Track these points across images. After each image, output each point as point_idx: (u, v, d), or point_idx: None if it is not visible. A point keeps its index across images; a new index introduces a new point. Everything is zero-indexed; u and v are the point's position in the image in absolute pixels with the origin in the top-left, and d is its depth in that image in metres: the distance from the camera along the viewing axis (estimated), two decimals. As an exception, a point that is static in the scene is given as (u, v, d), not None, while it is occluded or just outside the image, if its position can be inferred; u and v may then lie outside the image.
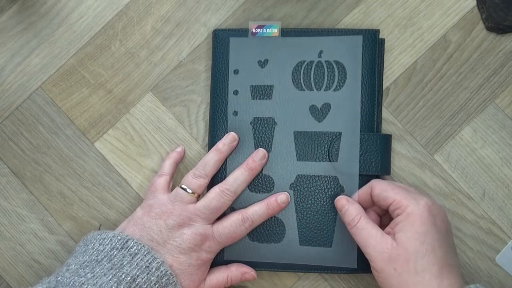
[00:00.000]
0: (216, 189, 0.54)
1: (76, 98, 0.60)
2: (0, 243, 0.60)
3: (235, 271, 0.55)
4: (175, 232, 0.53)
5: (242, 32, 0.57)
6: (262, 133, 0.56)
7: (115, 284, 0.48)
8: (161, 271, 0.51)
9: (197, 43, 0.60)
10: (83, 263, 0.50)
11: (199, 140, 0.60)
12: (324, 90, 0.56)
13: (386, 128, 0.58)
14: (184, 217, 0.53)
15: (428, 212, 0.49)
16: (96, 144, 0.60)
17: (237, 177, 0.55)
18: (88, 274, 0.49)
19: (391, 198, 0.50)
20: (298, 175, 0.56)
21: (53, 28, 0.60)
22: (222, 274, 0.55)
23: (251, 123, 0.56)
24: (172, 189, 0.56)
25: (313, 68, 0.56)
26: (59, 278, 0.49)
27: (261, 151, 0.56)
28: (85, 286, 0.47)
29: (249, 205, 0.56)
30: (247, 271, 0.55)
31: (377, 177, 0.56)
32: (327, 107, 0.56)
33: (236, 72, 0.57)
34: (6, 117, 0.61)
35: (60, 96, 0.61)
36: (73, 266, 0.50)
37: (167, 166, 0.57)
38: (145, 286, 0.50)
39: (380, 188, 0.52)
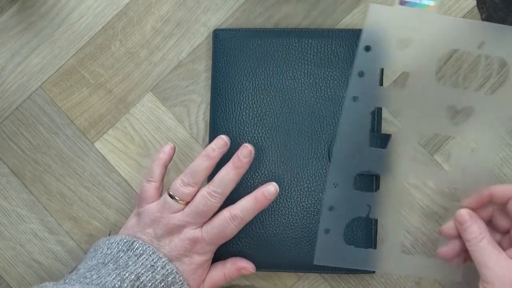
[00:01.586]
0: (203, 192, 0.52)
1: (76, 98, 0.60)
2: (0, 243, 0.60)
3: (230, 268, 0.54)
4: (164, 240, 0.52)
5: (243, 32, 0.57)
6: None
7: (118, 282, 0.48)
8: (167, 270, 0.50)
9: (197, 43, 0.60)
10: (90, 267, 0.50)
11: (199, 140, 0.60)
12: (474, 91, 0.51)
13: (386, 128, 0.58)
14: (172, 225, 0.52)
15: None
16: (96, 144, 0.60)
17: (223, 178, 0.52)
18: (93, 276, 0.49)
19: None
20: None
21: (53, 28, 0.60)
22: (219, 272, 0.54)
23: (371, 112, 0.51)
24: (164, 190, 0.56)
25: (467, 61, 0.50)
26: (66, 281, 0.49)
27: (246, 148, 0.53)
28: (90, 286, 0.47)
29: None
30: (242, 266, 0.54)
31: (377, 177, 0.56)
32: (469, 111, 0.51)
33: (367, 49, 0.48)
34: (6, 117, 0.61)
35: (60, 96, 0.61)
36: (82, 270, 0.50)
37: (156, 170, 0.55)
38: (150, 284, 0.49)
39: None
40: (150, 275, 0.49)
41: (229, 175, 0.53)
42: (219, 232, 0.52)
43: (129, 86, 0.60)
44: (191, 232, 0.52)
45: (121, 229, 0.55)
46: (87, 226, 0.60)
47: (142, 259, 0.50)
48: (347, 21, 0.59)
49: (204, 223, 0.53)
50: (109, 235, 0.58)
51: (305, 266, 0.56)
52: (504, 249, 0.48)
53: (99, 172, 0.60)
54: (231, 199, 0.54)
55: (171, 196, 0.53)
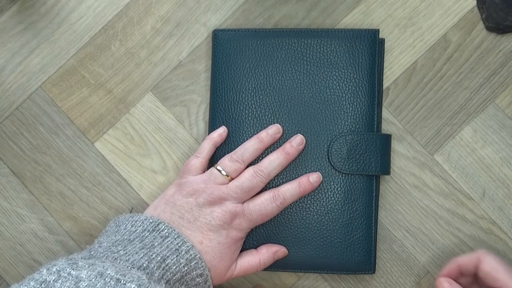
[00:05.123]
0: (250, 170, 0.54)
1: (76, 98, 0.60)
2: (0, 243, 0.60)
3: (266, 253, 0.55)
4: (205, 209, 0.52)
5: (242, 32, 0.57)
6: None
7: (146, 262, 0.48)
8: (190, 255, 0.50)
9: (197, 43, 0.60)
10: (115, 242, 0.50)
11: (199, 140, 0.60)
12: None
13: (386, 128, 0.58)
14: (215, 196, 0.53)
15: None
16: (96, 144, 0.60)
17: (273, 160, 0.54)
18: (120, 251, 0.49)
19: (502, 281, 0.48)
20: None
21: (53, 28, 0.60)
22: (254, 258, 0.54)
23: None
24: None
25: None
26: (92, 253, 0.49)
27: (299, 137, 0.55)
28: (118, 261, 0.47)
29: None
30: (277, 249, 0.55)
31: (377, 177, 0.56)
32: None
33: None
34: (6, 117, 0.61)
35: (60, 96, 0.61)
36: (105, 244, 0.50)
37: (205, 148, 0.56)
38: (174, 267, 0.49)
39: (491, 266, 0.49)
40: (175, 259, 0.50)
41: (279, 159, 0.54)
42: (260, 209, 0.53)
43: (129, 86, 0.60)
44: (232, 205, 0.53)
45: (156, 200, 0.55)
46: (87, 226, 0.60)
47: (167, 242, 0.50)
48: (347, 21, 0.59)
49: (245, 201, 0.54)
50: (131, 211, 0.57)
51: (305, 266, 0.56)
52: None
53: (99, 172, 0.60)
54: None
55: (218, 170, 0.54)
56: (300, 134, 0.56)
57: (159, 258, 0.49)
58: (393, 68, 0.58)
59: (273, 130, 0.55)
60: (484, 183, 0.57)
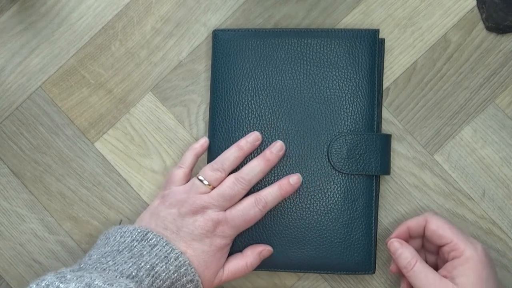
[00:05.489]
0: (231, 178, 0.54)
1: (76, 98, 0.60)
2: (0, 243, 0.60)
3: (251, 255, 0.55)
4: (188, 219, 0.53)
5: (242, 32, 0.57)
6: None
7: (135, 271, 0.49)
8: (179, 261, 0.51)
9: (197, 43, 0.60)
10: (104, 253, 0.51)
11: (199, 140, 0.60)
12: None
13: (386, 128, 0.58)
14: (197, 205, 0.53)
15: (486, 257, 0.50)
16: (96, 144, 0.60)
17: (254, 167, 0.54)
18: (109, 262, 0.49)
19: (448, 238, 0.51)
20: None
21: (53, 28, 0.60)
22: (241, 261, 0.55)
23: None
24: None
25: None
26: (81, 265, 0.50)
27: (279, 143, 0.55)
28: (107, 271, 0.48)
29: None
30: (262, 249, 0.55)
31: (377, 177, 0.56)
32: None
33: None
34: (6, 117, 0.61)
35: (60, 96, 0.61)
36: (95, 256, 0.51)
37: (188, 158, 0.57)
38: (164, 274, 0.50)
39: (437, 224, 0.52)
40: (164, 266, 0.50)
41: (259, 166, 0.55)
42: (243, 215, 0.53)
43: (129, 86, 0.60)
44: (215, 213, 0.53)
45: (143, 213, 0.56)
46: (87, 226, 0.60)
47: (156, 250, 0.51)
48: (347, 21, 0.59)
49: (227, 208, 0.54)
50: (120, 224, 0.58)
51: (305, 266, 0.56)
52: (437, 268, 0.52)
53: (99, 172, 0.60)
54: None
55: (200, 180, 0.54)
56: (280, 141, 0.56)
57: (148, 266, 0.49)
58: (393, 68, 0.58)
59: (252, 138, 0.56)
60: (484, 183, 0.57)
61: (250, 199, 0.54)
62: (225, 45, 0.58)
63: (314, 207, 0.56)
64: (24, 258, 0.60)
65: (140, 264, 0.49)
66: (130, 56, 0.60)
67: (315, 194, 0.56)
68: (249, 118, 0.57)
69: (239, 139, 0.56)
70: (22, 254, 0.60)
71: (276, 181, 0.56)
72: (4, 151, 0.61)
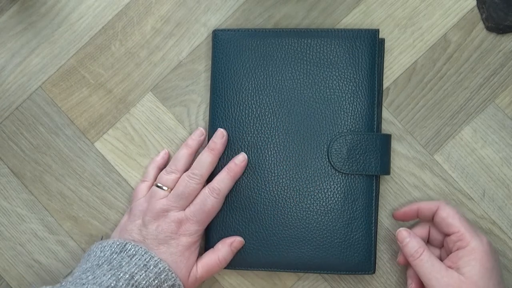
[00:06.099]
0: (184, 177, 0.56)
1: (76, 98, 0.60)
2: (0, 243, 0.60)
3: (222, 248, 0.56)
4: (151, 226, 0.54)
5: (242, 32, 0.57)
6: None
7: (114, 282, 0.50)
8: (159, 268, 0.52)
9: (197, 43, 0.60)
10: (85, 270, 0.52)
11: (199, 140, 0.60)
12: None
13: (386, 128, 0.58)
14: (158, 209, 0.54)
15: (491, 249, 0.51)
16: (96, 144, 0.60)
17: (202, 161, 0.56)
18: (89, 277, 0.51)
19: (456, 227, 0.51)
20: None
21: (53, 28, 0.60)
22: (213, 255, 0.56)
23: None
24: None
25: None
26: (63, 284, 0.51)
27: (220, 131, 0.56)
28: (86, 285, 0.49)
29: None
30: (232, 241, 0.56)
31: (377, 177, 0.56)
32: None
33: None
34: (6, 117, 0.61)
35: (60, 96, 0.61)
36: (76, 273, 0.52)
37: (150, 171, 0.58)
38: (144, 282, 0.51)
39: (448, 212, 0.52)
40: (144, 274, 0.51)
41: (206, 158, 0.56)
42: (201, 207, 0.54)
43: (129, 86, 0.60)
44: (175, 214, 0.54)
45: (115, 229, 0.57)
46: (87, 226, 0.60)
47: (135, 259, 0.52)
48: (347, 21, 0.59)
49: (187, 206, 0.55)
50: (101, 239, 0.58)
51: (305, 266, 0.56)
52: (442, 260, 0.53)
53: (99, 172, 0.60)
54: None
55: (158, 186, 0.56)
56: (220, 129, 0.57)
57: (127, 276, 0.50)
58: (393, 68, 0.58)
59: (196, 134, 0.57)
60: (484, 183, 0.57)
61: (204, 190, 0.55)
62: (225, 45, 0.58)
63: (314, 207, 0.56)
64: (24, 258, 0.60)
65: (119, 275, 0.50)
66: (130, 56, 0.60)
67: (315, 194, 0.56)
68: (249, 118, 0.57)
69: (239, 139, 0.57)
70: (22, 254, 0.60)
71: (277, 179, 0.56)
72: (4, 151, 0.61)
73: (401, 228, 0.54)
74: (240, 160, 0.56)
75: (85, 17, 0.60)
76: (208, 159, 0.56)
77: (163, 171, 0.57)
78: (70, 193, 0.60)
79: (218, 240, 0.56)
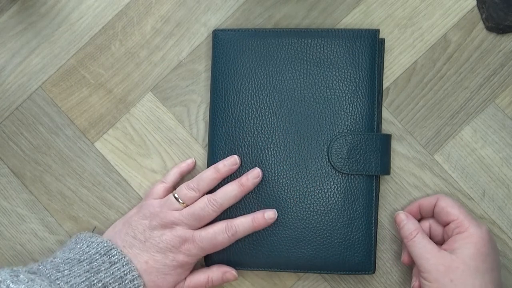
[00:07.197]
0: (204, 199, 0.55)
1: (76, 98, 0.60)
2: (0, 243, 0.60)
3: (215, 271, 0.56)
4: (156, 232, 0.54)
5: (242, 32, 0.57)
6: None
7: (86, 287, 0.50)
8: (134, 284, 0.53)
9: (197, 43, 0.60)
10: (66, 259, 0.52)
11: (199, 140, 0.60)
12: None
13: (386, 128, 0.58)
14: (167, 220, 0.54)
15: (489, 237, 0.52)
16: (96, 144, 0.60)
17: (228, 192, 0.55)
18: (65, 271, 0.51)
19: (454, 215, 0.52)
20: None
21: (53, 28, 0.60)
22: (203, 274, 0.56)
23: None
24: None
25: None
26: (40, 267, 0.51)
27: (256, 171, 0.56)
28: (58, 282, 0.50)
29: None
30: (227, 270, 0.56)
31: (377, 177, 0.56)
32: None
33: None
34: (6, 117, 0.61)
35: (60, 96, 0.61)
36: (58, 259, 0.52)
37: (171, 175, 0.58)
38: None
39: (446, 202, 0.53)
40: (117, 287, 0.52)
41: (233, 191, 0.55)
42: (211, 238, 0.54)
43: (129, 86, 0.60)
44: (183, 231, 0.54)
45: (120, 218, 0.57)
46: (87, 226, 0.60)
47: (114, 268, 0.52)
48: (347, 21, 0.59)
49: (198, 229, 0.55)
50: (93, 231, 0.59)
51: (305, 266, 0.56)
52: None
53: (99, 172, 0.60)
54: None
55: (175, 198, 0.55)
56: (257, 168, 0.56)
57: (100, 285, 0.51)
58: (393, 68, 0.58)
59: (230, 162, 0.56)
60: (484, 183, 0.57)
61: (222, 224, 0.54)
62: (225, 45, 0.58)
63: (314, 207, 0.56)
64: (24, 258, 0.60)
65: (93, 281, 0.51)
66: (130, 56, 0.60)
67: (315, 194, 0.56)
68: (249, 118, 0.57)
69: (239, 139, 0.57)
70: (22, 254, 0.60)
71: (277, 179, 0.56)
72: (4, 151, 0.61)
73: (399, 211, 0.55)
74: (269, 216, 0.55)
75: (85, 17, 0.60)
76: (234, 192, 0.55)
77: (185, 184, 0.55)
78: (70, 193, 0.60)
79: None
